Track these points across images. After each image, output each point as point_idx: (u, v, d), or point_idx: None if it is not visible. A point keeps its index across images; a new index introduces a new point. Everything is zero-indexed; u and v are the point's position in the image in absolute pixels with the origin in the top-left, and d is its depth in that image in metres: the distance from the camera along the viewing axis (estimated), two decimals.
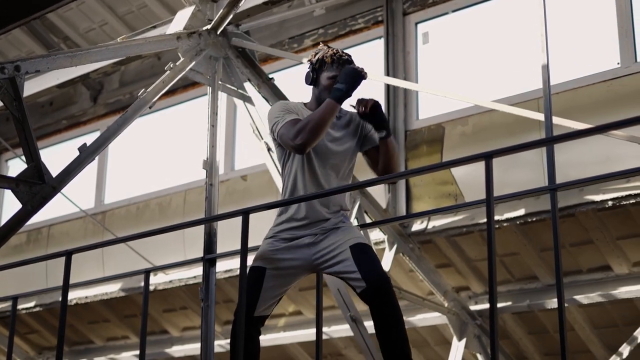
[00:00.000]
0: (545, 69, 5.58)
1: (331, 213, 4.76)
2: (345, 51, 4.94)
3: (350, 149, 4.90)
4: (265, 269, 4.78)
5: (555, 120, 6.09)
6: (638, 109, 7.38)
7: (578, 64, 7.98)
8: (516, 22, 8.44)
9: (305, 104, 4.96)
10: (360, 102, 4.76)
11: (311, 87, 4.93)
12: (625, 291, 7.86)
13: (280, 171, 4.96)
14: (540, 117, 6.38)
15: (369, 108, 4.72)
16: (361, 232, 4.88)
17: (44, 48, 11.22)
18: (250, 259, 9.25)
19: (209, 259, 6.39)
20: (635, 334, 7.34)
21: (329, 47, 4.92)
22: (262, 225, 8.50)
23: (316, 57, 4.88)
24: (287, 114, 4.76)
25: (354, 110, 4.83)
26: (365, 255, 4.61)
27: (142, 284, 9.83)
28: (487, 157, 4.23)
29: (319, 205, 4.73)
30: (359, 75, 4.69)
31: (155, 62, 10.98)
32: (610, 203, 7.38)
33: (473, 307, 8.60)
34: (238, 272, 9.12)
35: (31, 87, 10.26)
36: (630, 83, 7.61)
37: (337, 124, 4.90)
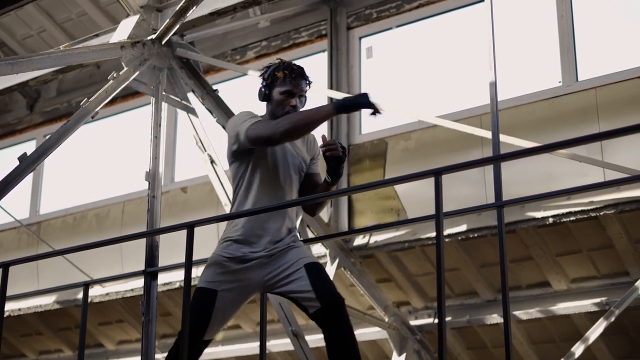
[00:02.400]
0: (493, 86, 5.61)
1: (285, 232, 4.62)
2: (296, 64, 4.77)
3: (304, 170, 4.78)
4: (217, 292, 4.56)
5: (502, 137, 6.14)
6: (579, 127, 7.49)
7: (520, 82, 8.07)
8: (459, 39, 8.51)
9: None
10: (330, 144, 4.55)
11: (264, 103, 4.74)
12: (563, 307, 7.95)
13: (234, 187, 4.74)
14: (484, 133, 6.43)
15: (335, 153, 4.53)
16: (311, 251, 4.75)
17: None
18: (195, 273, 9.17)
19: (151, 272, 6.28)
20: (572, 349, 7.40)
21: (281, 61, 4.78)
22: (205, 238, 8.42)
23: (267, 73, 4.71)
24: (253, 117, 4.60)
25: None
26: (319, 275, 4.49)
27: (78, 296, 9.75)
28: (437, 174, 4.24)
29: (279, 220, 4.59)
30: (366, 103, 4.45)
31: (95, 71, 10.83)
32: (550, 220, 7.46)
33: (413, 322, 8.62)
34: (177, 285, 9.09)
35: None
36: (571, 101, 7.71)
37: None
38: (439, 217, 4.22)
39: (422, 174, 4.36)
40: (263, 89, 4.69)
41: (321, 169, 4.82)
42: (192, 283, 8.87)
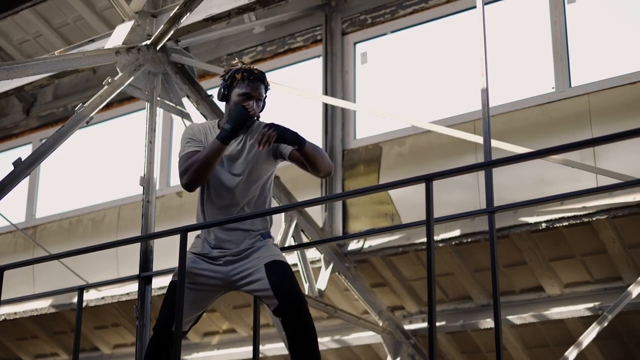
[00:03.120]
0: (485, 92, 5.64)
1: (246, 234, 4.75)
2: (257, 68, 4.89)
3: (260, 162, 4.81)
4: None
5: (493, 143, 6.17)
6: (572, 133, 7.53)
7: (514, 88, 8.11)
8: (454, 45, 8.55)
9: (219, 122, 4.94)
10: (260, 140, 4.55)
11: (224, 103, 4.90)
12: (556, 312, 7.98)
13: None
14: (477, 139, 6.46)
15: (271, 141, 4.55)
16: (278, 249, 4.81)
17: None
18: None
19: (145, 277, 6.30)
20: (565, 354, 7.42)
21: (242, 63, 4.91)
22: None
23: (228, 74, 4.85)
24: (188, 143, 4.81)
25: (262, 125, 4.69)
26: (278, 272, 4.61)
27: (74, 300, 9.76)
28: (428, 180, 4.27)
29: (229, 231, 4.75)
30: (246, 116, 4.67)
31: (91, 76, 10.86)
32: (544, 225, 7.49)
33: (407, 327, 8.65)
34: None
35: None
36: (564, 107, 7.75)
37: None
38: (429, 222, 4.25)
39: (413, 180, 4.39)
40: (222, 89, 4.86)
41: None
42: None
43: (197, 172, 4.67)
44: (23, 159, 5.86)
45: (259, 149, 4.57)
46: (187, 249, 4.83)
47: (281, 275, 4.60)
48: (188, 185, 4.73)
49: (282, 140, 4.61)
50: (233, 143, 4.80)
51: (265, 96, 4.87)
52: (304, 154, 4.68)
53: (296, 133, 4.64)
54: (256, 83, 4.79)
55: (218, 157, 4.67)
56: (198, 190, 4.88)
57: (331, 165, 4.83)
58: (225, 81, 4.85)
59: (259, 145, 4.56)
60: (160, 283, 9.09)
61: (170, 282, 4.84)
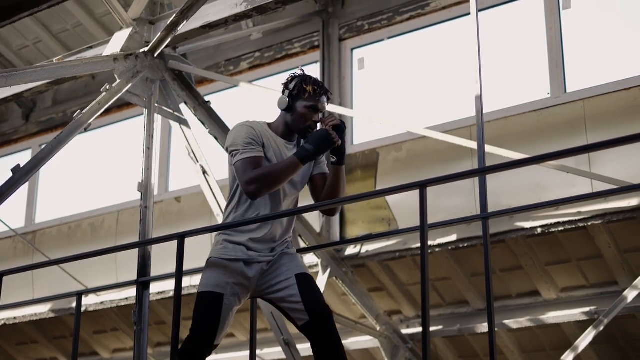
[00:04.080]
0: (479, 99, 5.68)
1: (281, 240, 4.67)
2: (320, 80, 4.76)
3: (308, 174, 4.79)
4: (223, 296, 4.53)
5: (488, 148, 6.22)
6: (567, 139, 7.57)
7: (509, 94, 8.16)
8: (450, 51, 8.60)
9: (269, 124, 4.75)
10: (325, 118, 4.56)
11: (282, 111, 4.71)
12: (553, 316, 8.01)
13: (232, 189, 4.72)
14: (472, 144, 6.50)
15: (329, 126, 4.53)
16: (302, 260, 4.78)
17: None
18: (185, 282, 9.21)
19: (143, 282, 6.35)
20: (562, 358, 7.46)
21: (306, 75, 4.72)
22: (197, 247, 8.50)
23: (294, 84, 4.66)
24: (250, 146, 4.57)
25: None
26: (309, 287, 4.53)
27: (73, 305, 9.81)
28: (422, 186, 4.31)
29: (279, 228, 4.64)
30: (330, 142, 4.50)
31: (90, 81, 10.91)
32: (539, 230, 7.54)
33: (405, 331, 8.69)
34: (171, 294, 9.15)
35: None
36: (559, 113, 7.80)
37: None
38: (423, 228, 4.30)
39: (407, 187, 4.43)
40: (287, 99, 4.66)
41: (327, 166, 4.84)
42: (183, 292, 8.97)
43: (269, 185, 4.48)
44: (22, 166, 5.90)
45: (322, 124, 4.55)
46: (216, 255, 4.62)
47: (311, 290, 4.53)
48: (255, 195, 4.51)
49: (340, 137, 4.55)
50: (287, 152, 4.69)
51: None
52: (339, 171, 4.66)
53: (345, 149, 4.66)
54: (323, 97, 4.67)
55: (292, 176, 4.55)
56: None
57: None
58: (290, 91, 4.66)
59: (322, 122, 4.55)
60: (159, 288, 9.15)
61: (207, 292, 4.56)
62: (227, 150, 4.67)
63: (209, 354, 4.59)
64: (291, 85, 4.67)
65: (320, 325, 4.42)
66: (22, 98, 10.99)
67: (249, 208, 4.65)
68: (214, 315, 4.52)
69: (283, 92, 4.70)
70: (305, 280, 4.56)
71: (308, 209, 4.76)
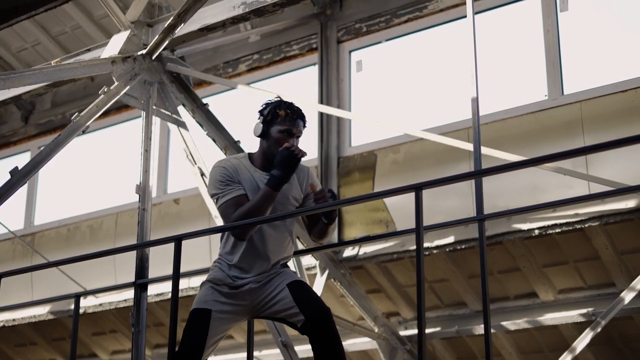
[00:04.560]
0: (475, 102, 5.70)
1: (276, 264, 4.70)
2: (296, 105, 4.79)
3: (297, 202, 4.83)
4: (211, 312, 4.61)
5: (485, 150, 6.24)
6: (564, 140, 7.59)
7: (507, 96, 8.17)
8: (448, 53, 8.61)
9: (251, 155, 4.81)
10: (320, 196, 4.71)
11: (259, 139, 4.78)
12: (550, 318, 8.02)
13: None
14: (470, 147, 6.51)
15: (322, 202, 4.70)
16: (296, 274, 4.80)
17: None
18: (182, 284, 9.23)
19: (141, 284, 6.37)
20: (560, 359, 7.48)
21: (281, 100, 4.79)
22: (195, 250, 8.52)
23: (268, 109, 4.73)
24: (228, 187, 4.64)
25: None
26: (301, 290, 4.59)
27: (71, 306, 9.83)
28: (417, 189, 4.33)
29: (262, 256, 4.66)
30: (294, 158, 4.57)
31: (89, 83, 10.92)
32: (536, 232, 7.55)
33: (403, 333, 8.70)
34: (169, 295, 9.16)
35: None
36: (557, 115, 7.81)
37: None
38: (419, 231, 4.31)
39: (403, 189, 4.46)
40: (262, 125, 4.73)
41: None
42: (181, 295, 8.99)
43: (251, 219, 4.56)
44: (20, 168, 5.92)
45: (313, 195, 4.75)
46: (207, 277, 4.72)
47: (305, 292, 4.59)
48: (242, 237, 4.59)
49: (331, 211, 4.73)
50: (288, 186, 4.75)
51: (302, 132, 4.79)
52: (327, 227, 4.78)
53: (335, 215, 4.79)
54: (298, 120, 4.70)
55: (270, 205, 4.59)
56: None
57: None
58: (264, 117, 4.72)
59: (315, 196, 4.73)
60: (157, 290, 9.17)
61: (196, 309, 4.65)
62: (210, 195, 4.78)
63: None
64: (265, 112, 4.74)
65: (316, 323, 4.46)
66: (21, 100, 11.06)
67: (235, 243, 4.70)
68: (201, 331, 4.59)
69: (258, 118, 4.77)
70: (298, 286, 4.62)
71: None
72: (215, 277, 4.69)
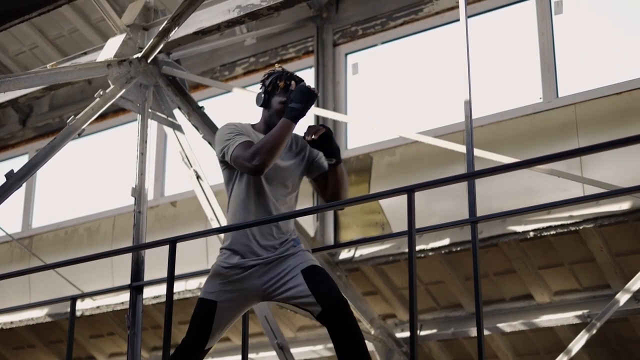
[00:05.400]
0: (468, 105, 5.72)
1: (279, 240, 4.60)
2: (297, 74, 4.78)
3: (297, 174, 4.76)
4: (217, 303, 4.56)
5: (480, 153, 6.27)
6: (559, 143, 7.61)
7: (502, 98, 8.20)
8: (444, 55, 8.64)
9: (253, 125, 4.76)
10: (311, 129, 4.57)
11: (261, 108, 4.76)
12: (546, 320, 8.04)
13: (227, 193, 4.73)
14: (462, 149, 6.53)
15: (318, 136, 4.55)
16: (311, 254, 4.69)
17: None
18: (179, 287, 9.25)
19: (136, 287, 6.39)
20: None
21: (283, 69, 4.78)
22: (192, 252, 8.55)
23: (269, 80, 4.72)
24: (238, 135, 4.59)
25: (302, 135, 4.68)
26: (317, 277, 4.48)
27: (69, 309, 9.84)
28: (409, 191, 4.34)
29: (266, 235, 4.59)
30: (312, 94, 4.55)
31: (86, 86, 10.96)
32: (531, 234, 7.58)
33: (399, 335, 8.72)
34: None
35: None
36: (551, 117, 7.84)
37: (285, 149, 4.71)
38: (411, 233, 4.33)
39: (395, 192, 4.47)
40: (262, 95, 4.72)
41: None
42: (178, 297, 9.00)
43: (270, 151, 4.42)
44: (15, 171, 5.94)
45: (305, 138, 4.56)
46: (216, 262, 4.65)
47: (320, 280, 4.47)
48: (260, 167, 4.44)
49: (329, 143, 4.60)
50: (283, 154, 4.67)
51: None
52: (337, 171, 4.69)
53: (339, 148, 4.67)
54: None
55: (288, 137, 4.51)
56: (241, 188, 4.66)
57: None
58: (265, 87, 4.72)
59: (306, 135, 4.55)
60: (155, 292, 9.18)
61: (204, 300, 4.60)
62: (219, 156, 4.66)
63: (202, 357, 4.62)
64: (267, 82, 4.73)
65: (334, 313, 4.37)
66: (19, 103, 11.08)
67: (243, 215, 4.62)
68: (206, 321, 4.56)
69: (260, 88, 4.76)
70: (313, 272, 4.50)
71: (301, 213, 4.78)
72: (222, 264, 4.61)
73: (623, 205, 7.22)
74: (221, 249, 4.69)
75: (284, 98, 4.64)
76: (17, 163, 11.06)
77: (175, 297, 9.10)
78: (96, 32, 10.51)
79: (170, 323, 4.85)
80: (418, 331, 8.59)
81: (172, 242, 5.02)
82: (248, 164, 4.47)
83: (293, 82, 4.70)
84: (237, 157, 4.52)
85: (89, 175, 10.96)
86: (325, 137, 4.60)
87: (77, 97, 11.14)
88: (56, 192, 11.22)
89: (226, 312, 4.59)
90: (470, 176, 4.86)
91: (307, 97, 4.55)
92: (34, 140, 11.47)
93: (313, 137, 4.56)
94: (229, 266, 4.58)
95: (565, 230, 7.47)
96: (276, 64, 4.95)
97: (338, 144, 4.74)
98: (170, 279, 4.93)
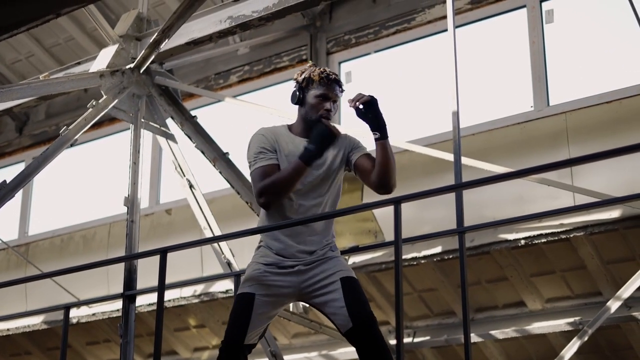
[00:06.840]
0: (455, 115, 5.77)
1: (320, 243, 4.57)
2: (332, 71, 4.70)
3: (334, 174, 4.68)
4: (255, 295, 4.48)
5: (470, 161, 6.31)
6: (550, 151, 7.66)
7: (494, 106, 8.24)
8: (436, 63, 8.67)
9: (290, 127, 4.67)
10: (357, 97, 4.45)
11: (297, 106, 4.65)
12: (538, 327, 8.08)
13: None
14: (452, 158, 6.56)
15: (361, 104, 4.44)
16: (347, 262, 4.67)
17: None
18: (174, 294, 9.27)
19: (129, 296, 6.44)
20: None
21: (316, 65, 4.70)
22: (186, 260, 8.58)
23: (302, 76, 4.62)
24: (260, 155, 4.54)
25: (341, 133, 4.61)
26: (354, 292, 4.45)
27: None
28: (396, 203, 4.39)
29: (309, 234, 4.55)
30: (331, 136, 4.44)
31: (82, 95, 11.00)
32: (523, 242, 7.62)
33: (393, 342, 8.73)
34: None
35: None
36: (542, 126, 7.88)
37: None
38: (397, 243, 4.38)
39: (382, 203, 4.52)
40: (297, 92, 4.63)
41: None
42: (174, 304, 9.01)
43: (276, 194, 4.44)
44: (8, 182, 5.99)
45: (349, 105, 4.45)
46: (254, 259, 4.60)
47: (357, 297, 4.44)
48: (266, 206, 4.49)
49: (374, 113, 4.49)
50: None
51: (340, 97, 4.67)
52: (381, 147, 4.60)
53: (385, 121, 4.51)
54: (333, 84, 4.58)
55: (300, 179, 4.46)
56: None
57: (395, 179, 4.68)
58: (299, 84, 4.62)
59: (350, 102, 4.45)
60: (146, 300, 9.21)
61: (242, 294, 4.52)
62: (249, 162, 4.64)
63: (246, 353, 4.51)
64: (300, 78, 4.64)
65: (364, 332, 4.35)
66: (15, 112, 11.13)
67: (272, 217, 4.61)
68: (245, 313, 4.47)
69: (294, 86, 4.67)
70: (351, 285, 4.48)
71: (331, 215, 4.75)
72: (260, 261, 4.57)
73: (613, 213, 7.26)
74: (259, 245, 4.65)
75: (320, 91, 4.55)
76: (14, 171, 11.12)
77: (170, 304, 9.15)
78: (92, 40, 10.56)
79: (161, 330, 4.90)
80: (411, 338, 8.68)
81: (163, 252, 5.06)
82: (256, 198, 4.50)
83: (330, 76, 4.59)
84: (252, 183, 4.55)
85: (85, 183, 11.00)
86: (370, 106, 4.49)
87: (74, 105, 11.19)
88: (52, 200, 11.26)
89: (264, 307, 4.50)
90: (457, 187, 4.91)
91: (324, 139, 4.45)
92: (31, 148, 11.52)
93: (355, 104, 4.46)
94: (266, 263, 4.55)
95: (557, 238, 7.51)
96: (309, 62, 4.89)
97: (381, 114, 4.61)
98: (161, 288, 4.97)
